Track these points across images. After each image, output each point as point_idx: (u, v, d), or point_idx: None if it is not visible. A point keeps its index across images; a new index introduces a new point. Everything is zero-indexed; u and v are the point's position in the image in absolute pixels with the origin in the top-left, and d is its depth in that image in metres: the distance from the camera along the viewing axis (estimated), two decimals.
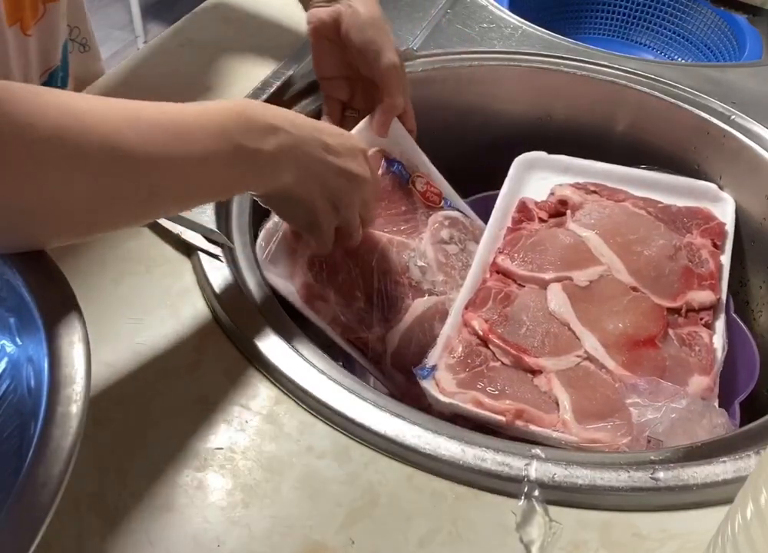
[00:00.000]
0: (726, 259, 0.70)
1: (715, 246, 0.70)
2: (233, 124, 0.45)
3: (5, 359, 0.40)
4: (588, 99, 0.81)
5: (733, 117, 0.75)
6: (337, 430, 0.48)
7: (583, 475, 0.45)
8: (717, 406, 0.59)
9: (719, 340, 0.64)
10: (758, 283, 0.76)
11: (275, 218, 0.58)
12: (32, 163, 0.36)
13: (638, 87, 0.79)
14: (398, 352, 0.62)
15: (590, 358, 0.61)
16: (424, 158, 0.71)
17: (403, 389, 0.62)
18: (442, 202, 0.71)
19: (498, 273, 0.69)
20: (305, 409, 0.49)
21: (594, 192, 0.74)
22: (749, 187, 0.74)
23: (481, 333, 0.63)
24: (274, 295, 0.57)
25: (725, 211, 0.73)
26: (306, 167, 0.50)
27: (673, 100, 0.77)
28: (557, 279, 0.66)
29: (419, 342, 0.63)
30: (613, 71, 0.80)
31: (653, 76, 0.79)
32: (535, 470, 0.45)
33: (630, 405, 0.56)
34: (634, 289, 0.66)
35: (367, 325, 0.61)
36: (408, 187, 0.68)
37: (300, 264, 0.58)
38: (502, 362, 0.61)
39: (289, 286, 0.57)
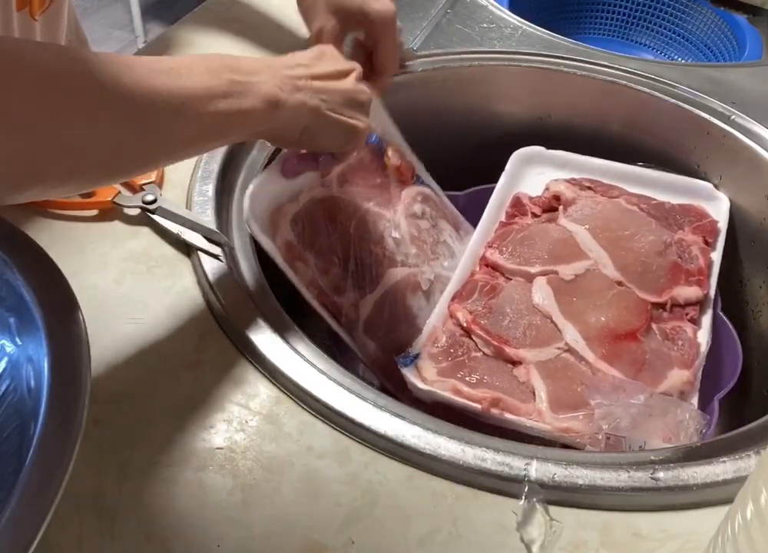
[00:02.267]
0: (717, 256, 0.70)
1: (706, 243, 0.70)
2: (218, 64, 0.47)
3: (5, 359, 0.40)
4: (588, 99, 0.81)
5: (733, 117, 0.75)
6: (337, 430, 0.48)
7: (583, 475, 0.45)
8: (695, 401, 0.60)
9: (704, 336, 0.64)
10: (758, 283, 0.76)
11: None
12: (33, 103, 0.37)
13: (638, 87, 0.79)
14: (370, 320, 0.63)
15: (570, 350, 0.62)
16: (398, 134, 0.70)
17: (373, 357, 0.63)
18: (415, 178, 0.71)
19: (486, 266, 0.70)
20: (305, 409, 0.49)
21: (589, 188, 0.75)
22: (749, 187, 0.74)
23: (464, 324, 0.63)
24: (274, 296, 0.57)
25: (719, 210, 0.73)
26: (306, 91, 0.51)
27: (673, 100, 0.77)
28: (543, 273, 0.67)
29: (391, 312, 0.64)
30: (613, 71, 0.80)
31: (653, 76, 0.79)
32: (535, 470, 0.45)
33: (594, 406, 0.57)
34: (620, 283, 0.66)
35: (342, 291, 0.62)
36: (384, 161, 0.68)
37: (284, 224, 0.58)
38: (484, 353, 0.62)
39: (270, 243, 0.57)
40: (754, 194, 0.74)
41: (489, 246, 0.71)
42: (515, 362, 0.61)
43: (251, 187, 0.55)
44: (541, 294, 0.65)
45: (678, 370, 0.61)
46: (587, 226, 0.70)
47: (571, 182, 0.75)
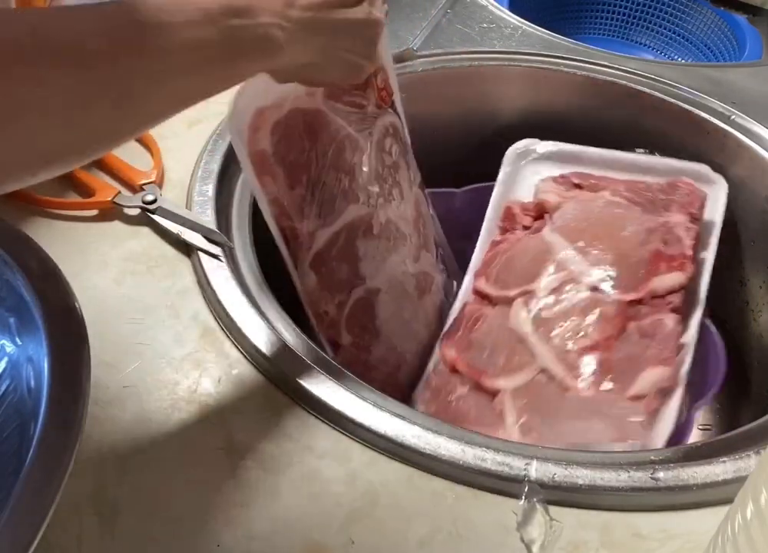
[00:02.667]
0: (713, 245, 0.69)
1: (693, 219, 0.68)
2: (216, 6, 0.42)
3: (5, 359, 0.41)
4: (588, 99, 0.81)
5: (733, 117, 0.75)
6: (337, 430, 0.48)
7: (583, 475, 0.45)
8: (679, 394, 0.59)
9: (693, 326, 0.64)
10: (758, 283, 0.76)
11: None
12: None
13: (638, 87, 0.79)
14: (320, 254, 0.61)
15: (543, 371, 0.61)
16: (388, 54, 0.67)
17: (310, 291, 0.60)
18: (391, 103, 0.69)
19: (476, 294, 0.69)
20: (305, 409, 0.49)
21: (576, 186, 0.73)
22: (749, 187, 0.74)
23: (450, 363, 0.64)
24: (274, 297, 0.57)
25: (717, 195, 0.71)
26: (311, 26, 0.47)
27: (673, 100, 0.77)
28: (522, 294, 0.66)
29: (339, 250, 0.62)
30: (613, 71, 0.80)
31: (653, 76, 0.79)
32: (535, 470, 0.45)
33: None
34: (595, 289, 0.65)
35: (303, 216, 0.59)
36: (370, 79, 0.65)
37: (263, 129, 0.56)
38: (469, 388, 0.62)
39: (244, 150, 0.54)
40: (754, 194, 0.74)
41: (477, 275, 0.70)
42: (494, 393, 0.61)
43: (242, 84, 0.52)
44: (517, 318, 0.65)
45: (652, 369, 0.60)
46: (565, 234, 0.69)
47: (559, 181, 0.74)
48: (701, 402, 0.62)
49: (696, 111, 0.76)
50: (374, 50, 0.53)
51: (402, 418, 0.48)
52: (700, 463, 0.46)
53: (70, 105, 0.36)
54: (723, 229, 0.76)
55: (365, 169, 0.64)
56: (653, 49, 1.16)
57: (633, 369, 0.60)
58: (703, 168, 0.73)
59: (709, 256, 0.69)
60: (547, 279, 0.66)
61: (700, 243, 0.68)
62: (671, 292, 0.64)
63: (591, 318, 0.63)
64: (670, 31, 1.14)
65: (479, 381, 0.62)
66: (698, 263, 0.67)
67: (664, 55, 1.15)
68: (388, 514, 0.44)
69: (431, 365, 0.65)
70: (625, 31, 1.17)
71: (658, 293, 0.64)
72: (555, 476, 0.45)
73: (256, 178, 0.55)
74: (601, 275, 0.65)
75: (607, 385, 0.60)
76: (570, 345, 0.62)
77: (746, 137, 0.74)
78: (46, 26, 0.35)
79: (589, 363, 0.61)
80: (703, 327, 0.66)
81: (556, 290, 0.65)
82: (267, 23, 0.44)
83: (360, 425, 0.48)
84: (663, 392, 0.60)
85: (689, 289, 0.66)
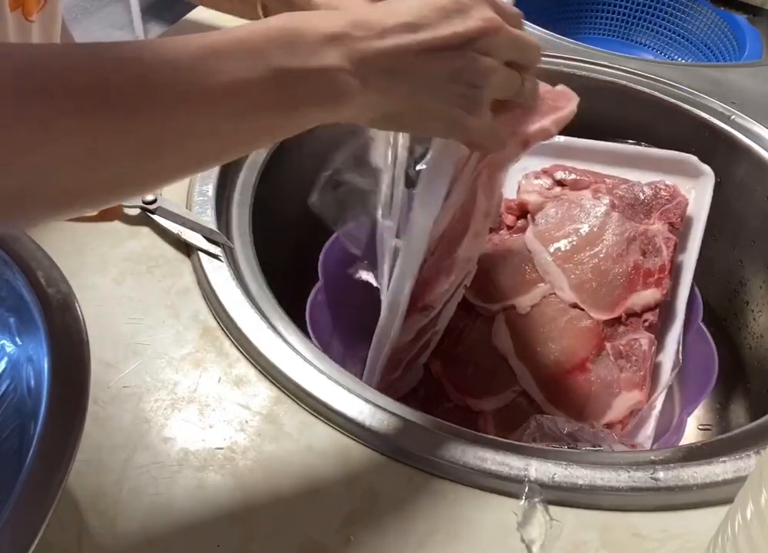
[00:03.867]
0: (695, 243, 0.68)
1: (672, 229, 0.68)
2: (272, 43, 0.35)
3: (5, 359, 0.41)
4: (588, 99, 0.81)
5: (733, 117, 0.75)
6: (337, 430, 0.48)
7: (583, 475, 0.45)
8: (652, 424, 0.60)
9: (671, 343, 0.64)
10: (758, 283, 0.76)
11: None
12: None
13: (638, 87, 0.79)
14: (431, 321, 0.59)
15: (523, 392, 0.62)
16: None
17: (401, 347, 0.60)
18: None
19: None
20: (305, 409, 0.49)
21: (559, 182, 0.72)
22: (749, 187, 0.74)
23: (436, 377, 0.64)
24: (275, 298, 0.57)
25: (704, 188, 0.70)
26: (396, 72, 0.37)
27: (673, 100, 0.77)
28: (503, 309, 0.66)
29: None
30: (613, 71, 0.80)
31: (653, 76, 0.79)
32: (535, 470, 0.45)
33: None
34: (575, 305, 0.64)
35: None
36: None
37: None
38: (454, 404, 0.63)
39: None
40: (754, 194, 0.74)
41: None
42: (478, 414, 0.61)
43: None
44: (498, 335, 0.64)
45: (626, 394, 0.61)
46: (547, 242, 0.68)
47: (541, 175, 0.73)
48: (692, 406, 0.62)
49: (696, 111, 0.76)
50: (480, 103, 0.41)
51: (403, 418, 0.48)
52: (700, 463, 0.46)
53: (86, 155, 0.31)
54: (722, 229, 0.76)
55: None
56: (653, 49, 1.16)
57: (608, 394, 0.61)
58: (691, 159, 0.72)
59: (689, 262, 0.68)
60: (530, 293, 0.65)
61: (678, 249, 0.68)
62: (647, 309, 0.64)
63: (569, 338, 0.63)
64: (670, 31, 1.14)
65: (465, 400, 0.62)
66: (675, 274, 0.68)
67: (664, 55, 1.15)
68: (388, 514, 0.44)
69: (418, 373, 0.64)
70: (625, 31, 1.17)
71: (634, 312, 0.64)
72: (555, 476, 0.45)
73: None
74: (580, 291, 0.65)
75: (583, 411, 0.60)
76: (549, 366, 0.62)
77: (746, 137, 0.74)
78: (60, 65, 0.31)
79: (567, 388, 0.61)
80: (695, 331, 0.67)
81: (537, 306, 0.65)
82: (333, 67, 0.36)
83: (360, 425, 0.48)
84: (635, 414, 0.60)
85: (665, 304, 0.66)
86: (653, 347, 0.63)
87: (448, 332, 0.65)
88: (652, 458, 0.48)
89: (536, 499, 0.44)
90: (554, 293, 0.65)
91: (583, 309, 0.64)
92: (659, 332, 0.66)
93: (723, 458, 0.47)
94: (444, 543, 0.43)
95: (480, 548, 0.43)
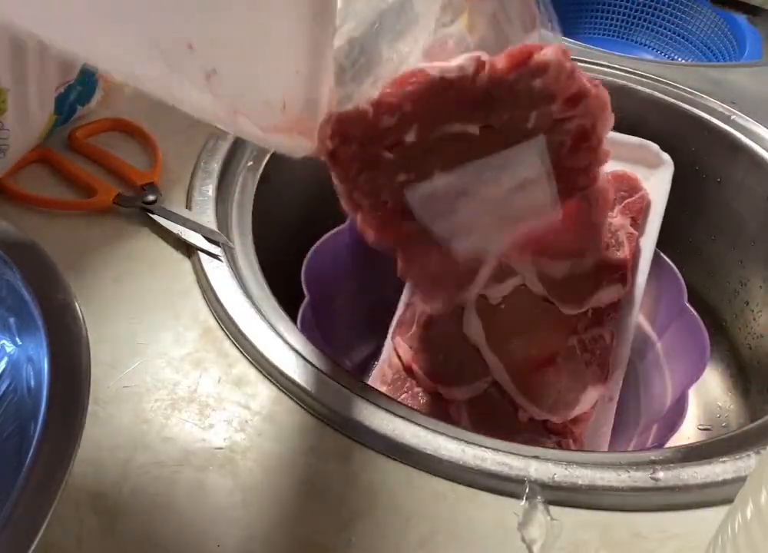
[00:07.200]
0: (653, 234, 0.68)
1: (634, 224, 0.67)
2: None
3: (5, 359, 0.40)
4: None
5: (733, 117, 0.75)
6: (337, 430, 0.48)
7: (583, 475, 0.45)
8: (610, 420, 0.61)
9: (628, 338, 0.64)
10: (758, 283, 0.76)
11: None
12: None
13: (638, 87, 0.79)
14: None
15: (495, 384, 0.62)
16: None
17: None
18: None
19: None
20: (305, 409, 0.49)
21: None
22: (749, 188, 0.74)
23: (405, 363, 0.63)
24: (275, 298, 0.57)
25: (663, 178, 0.69)
26: None
27: (673, 100, 0.77)
28: (474, 297, 0.64)
29: None
30: (613, 71, 0.80)
31: (653, 76, 0.79)
32: (535, 470, 0.45)
33: None
34: (545, 299, 0.64)
35: None
36: None
37: None
38: (423, 390, 0.62)
39: None
40: (754, 194, 0.74)
41: None
42: (449, 402, 0.61)
43: None
44: (470, 324, 0.64)
45: (592, 389, 0.61)
46: None
47: None
48: (692, 384, 0.64)
49: (696, 111, 0.76)
50: None
51: (402, 418, 0.48)
52: (700, 463, 0.46)
53: None
54: (722, 228, 0.76)
55: None
56: (653, 49, 1.16)
57: (577, 388, 0.61)
58: (652, 147, 0.71)
59: (646, 253, 0.68)
60: (501, 284, 0.64)
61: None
62: (611, 304, 0.65)
63: (540, 332, 0.63)
64: (670, 31, 1.14)
65: (434, 387, 0.62)
66: (633, 267, 0.67)
67: (664, 55, 1.15)
68: (388, 514, 0.44)
69: (384, 355, 0.64)
70: (625, 31, 1.17)
71: (599, 306, 0.64)
72: (555, 476, 0.45)
73: None
74: (550, 285, 0.64)
75: (554, 405, 0.60)
76: (520, 360, 0.62)
77: (746, 137, 0.74)
78: None
79: (538, 382, 0.61)
80: (684, 311, 0.67)
81: (509, 297, 0.64)
82: None
83: (360, 425, 0.48)
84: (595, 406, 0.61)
85: (623, 299, 0.66)
86: (613, 340, 0.64)
87: (417, 316, 0.65)
88: (652, 458, 0.48)
89: (537, 499, 0.44)
90: (525, 285, 0.64)
91: (552, 303, 0.64)
92: (616, 324, 0.66)
93: (723, 458, 0.47)
94: (444, 543, 0.43)
95: (480, 548, 0.43)
